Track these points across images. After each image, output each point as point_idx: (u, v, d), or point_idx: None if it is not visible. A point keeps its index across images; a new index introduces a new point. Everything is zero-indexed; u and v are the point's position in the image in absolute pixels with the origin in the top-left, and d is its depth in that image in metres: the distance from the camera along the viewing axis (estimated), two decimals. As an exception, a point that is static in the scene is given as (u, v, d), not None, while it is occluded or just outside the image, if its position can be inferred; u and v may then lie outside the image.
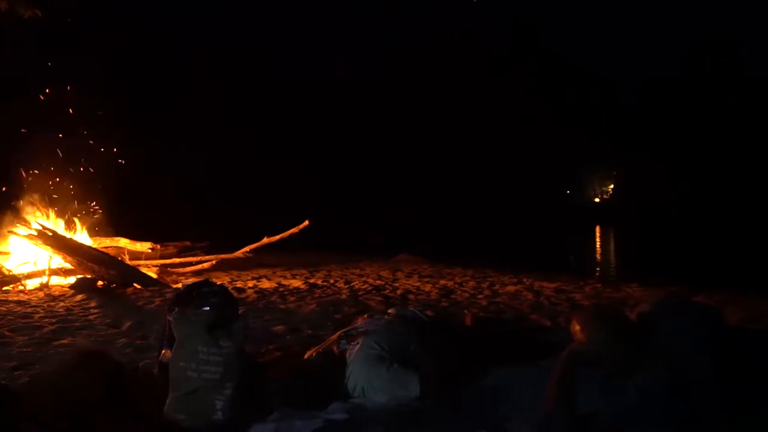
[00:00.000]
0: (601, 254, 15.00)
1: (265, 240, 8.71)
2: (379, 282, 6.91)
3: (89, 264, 6.40)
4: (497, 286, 6.35)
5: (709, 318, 2.13)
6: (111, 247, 8.10)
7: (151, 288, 6.23)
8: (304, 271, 8.15)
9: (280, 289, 6.24)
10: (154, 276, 6.98)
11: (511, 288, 6.17)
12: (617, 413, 1.91)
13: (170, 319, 2.25)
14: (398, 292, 6.03)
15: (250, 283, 6.84)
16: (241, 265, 8.58)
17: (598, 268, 10.75)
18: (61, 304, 5.26)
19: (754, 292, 5.29)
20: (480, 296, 5.67)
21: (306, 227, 8.69)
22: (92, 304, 5.19)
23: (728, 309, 4.18)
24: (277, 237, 8.73)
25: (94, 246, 7.49)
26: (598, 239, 20.13)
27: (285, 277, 7.48)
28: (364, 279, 7.22)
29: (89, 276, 6.37)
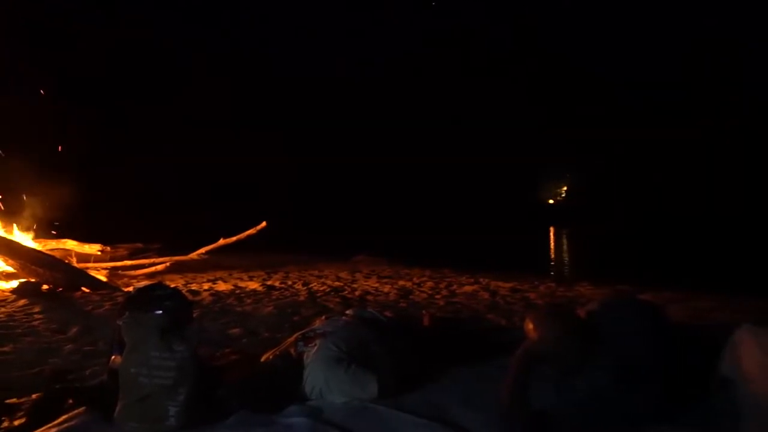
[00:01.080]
0: (554, 254, 15.41)
1: (221, 241, 8.55)
2: (338, 283, 6.89)
3: (33, 267, 6.11)
4: (455, 287, 6.43)
5: (652, 315, 2.22)
6: (57, 249, 7.77)
7: (100, 291, 6.00)
8: (261, 273, 8.04)
9: (237, 292, 6.13)
10: (104, 279, 6.74)
11: (468, 288, 6.27)
12: (569, 409, 1.97)
13: (121, 323, 2.18)
14: (357, 293, 6.03)
15: (206, 286, 6.69)
16: (197, 267, 8.38)
17: (552, 268, 11.03)
18: (2, 309, 4.99)
19: (699, 291, 5.55)
20: (438, 296, 5.74)
21: (263, 228, 8.58)
22: (36, 310, 4.95)
23: (673, 306, 4.39)
24: (234, 238, 8.58)
25: (39, 248, 7.16)
26: (551, 240, 20.69)
27: (242, 279, 7.35)
28: (322, 280, 7.18)
29: (33, 280, 6.09)
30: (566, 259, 14.28)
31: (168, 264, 8.15)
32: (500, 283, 6.52)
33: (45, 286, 6.04)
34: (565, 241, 20.41)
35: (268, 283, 6.94)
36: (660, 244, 14.95)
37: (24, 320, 4.45)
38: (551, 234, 22.98)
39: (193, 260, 8.39)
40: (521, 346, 2.13)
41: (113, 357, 2.24)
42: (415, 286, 6.52)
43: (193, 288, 6.43)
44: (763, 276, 7.66)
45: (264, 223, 8.58)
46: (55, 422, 2.09)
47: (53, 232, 8.28)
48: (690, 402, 2.05)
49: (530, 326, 2.13)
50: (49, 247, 7.72)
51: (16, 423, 2.14)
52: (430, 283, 6.76)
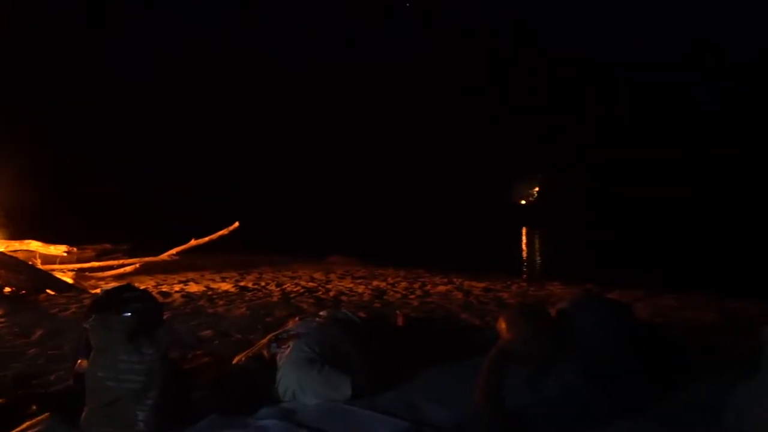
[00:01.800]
0: (527, 254, 15.62)
1: (193, 242, 8.41)
2: (312, 284, 6.85)
3: (-6, 269, 5.92)
4: (428, 287, 6.46)
5: (621, 314, 2.27)
6: (20, 250, 7.51)
7: (66, 294, 5.84)
8: (234, 274, 7.94)
9: (209, 293, 6.04)
10: (70, 281, 6.56)
11: (441, 288, 6.30)
12: (541, 407, 2.00)
13: (87, 326, 2.13)
14: (331, 294, 6.00)
15: (177, 287, 6.57)
16: (168, 268, 8.23)
17: (524, 268, 11.18)
18: (-38, 313, 4.82)
19: (661, 290, 5.70)
20: (412, 297, 5.75)
21: (235, 229, 8.48)
22: (-2, 313, 4.80)
23: (638, 305, 4.50)
24: (206, 239, 8.45)
25: (0, 249, 6.94)
26: (524, 240, 20.96)
27: (214, 280, 7.25)
28: (296, 281, 7.13)
29: (-5, 282, 5.90)
30: (538, 258, 14.50)
31: (137, 265, 7.98)
32: (474, 283, 6.57)
33: (7, 289, 5.86)
34: (537, 241, 20.71)
35: (241, 284, 6.86)
36: (630, 245, 15.32)
37: (-15, 324, 4.30)
38: (523, 234, 23.27)
39: (163, 261, 8.23)
40: (495, 345, 2.15)
41: (79, 361, 2.19)
42: (389, 287, 6.52)
43: (163, 289, 6.31)
44: (726, 276, 7.94)
45: (236, 224, 8.48)
46: (18, 429, 2.03)
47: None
48: (658, 399, 2.10)
49: (503, 326, 2.15)
50: (11, 248, 7.47)
51: (-24, 431, 2.07)
52: (404, 284, 6.78)
